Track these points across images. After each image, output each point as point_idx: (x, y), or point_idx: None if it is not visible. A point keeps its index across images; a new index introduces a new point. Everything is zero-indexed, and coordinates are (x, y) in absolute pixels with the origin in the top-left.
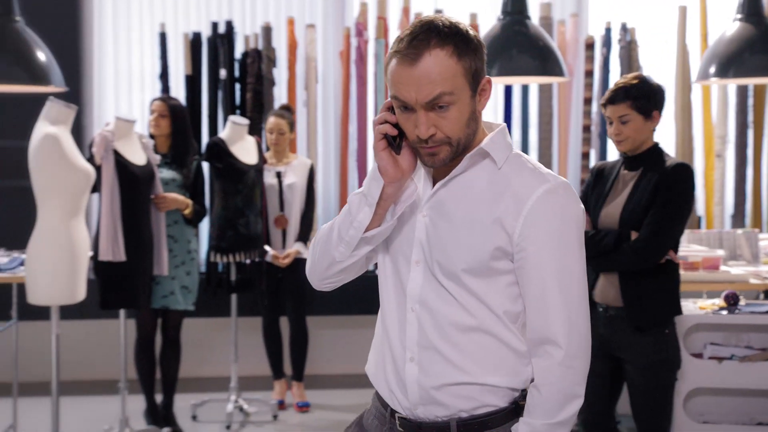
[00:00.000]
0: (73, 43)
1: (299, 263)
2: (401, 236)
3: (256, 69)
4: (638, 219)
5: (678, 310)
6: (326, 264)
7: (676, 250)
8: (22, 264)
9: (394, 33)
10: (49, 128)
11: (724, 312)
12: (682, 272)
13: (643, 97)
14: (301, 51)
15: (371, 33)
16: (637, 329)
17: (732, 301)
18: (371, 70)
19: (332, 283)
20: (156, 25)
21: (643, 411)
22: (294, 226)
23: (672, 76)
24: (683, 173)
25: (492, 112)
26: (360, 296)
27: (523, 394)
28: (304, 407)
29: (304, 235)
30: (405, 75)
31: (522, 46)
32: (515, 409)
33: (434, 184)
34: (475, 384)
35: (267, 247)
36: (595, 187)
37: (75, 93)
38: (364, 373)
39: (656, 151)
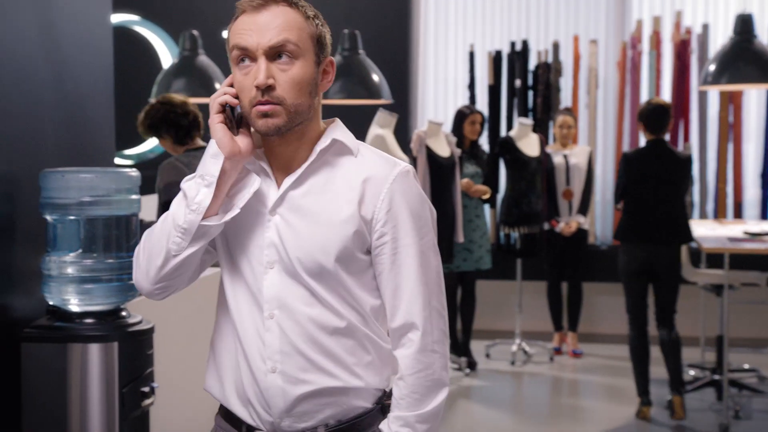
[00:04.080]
0: (404, 65)
1: (579, 233)
2: (247, 240)
3: (546, 79)
4: None
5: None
6: (160, 262)
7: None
8: None
9: (666, 45)
10: (378, 130)
11: None
12: None
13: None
14: (584, 62)
15: (645, 46)
16: None
17: None
18: (644, 76)
19: (163, 287)
20: (467, 45)
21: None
22: (577, 198)
23: None
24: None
25: (756, 107)
26: None
27: (387, 393)
28: (577, 354)
29: (584, 209)
30: (248, 22)
31: (747, 60)
32: (381, 408)
33: (277, 181)
34: (343, 388)
35: (558, 219)
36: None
37: (404, 102)
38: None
39: None
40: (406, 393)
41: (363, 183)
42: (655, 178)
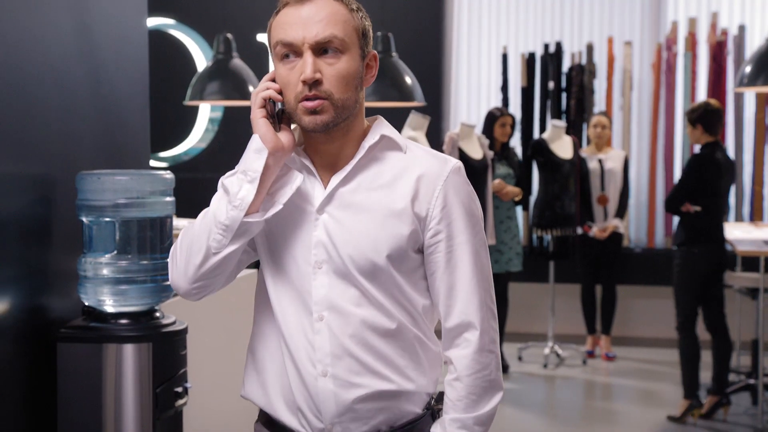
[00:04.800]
0: (437, 67)
1: (614, 236)
2: (293, 240)
3: (579, 81)
4: None
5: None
6: (200, 260)
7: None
8: None
9: (701, 47)
10: (411, 132)
11: None
12: None
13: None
14: (618, 64)
15: (680, 47)
16: None
17: None
18: (679, 78)
19: (201, 286)
20: (500, 47)
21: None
22: (612, 203)
23: None
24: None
25: None
26: (668, 268)
27: (436, 397)
28: (610, 357)
29: (621, 212)
30: (293, 15)
31: None
32: (432, 413)
33: (322, 179)
34: (396, 391)
35: (591, 224)
36: None
37: (437, 104)
38: (668, 337)
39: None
40: (464, 394)
41: (416, 180)
42: (723, 180)
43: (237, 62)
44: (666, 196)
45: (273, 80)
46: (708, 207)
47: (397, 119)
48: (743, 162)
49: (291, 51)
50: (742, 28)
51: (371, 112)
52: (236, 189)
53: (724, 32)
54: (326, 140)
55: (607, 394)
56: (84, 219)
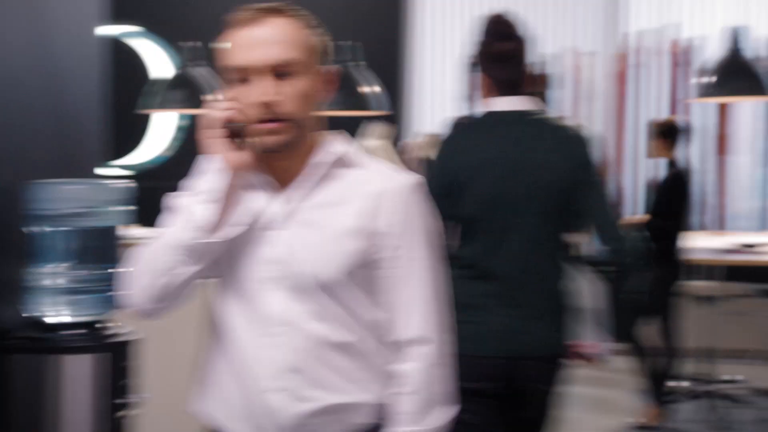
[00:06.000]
0: (400, 77)
1: None
2: (249, 256)
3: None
4: None
5: None
6: (163, 281)
7: None
8: None
9: (659, 57)
10: (374, 142)
11: None
12: None
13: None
14: (577, 75)
15: (640, 58)
16: None
17: None
18: (641, 88)
19: (164, 306)
20: (462, 55)
21: None
22: None
23: None
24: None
25: (751, 119)
26: None
27: (388, 408)
28: None
29: None
30: (247, 37)
31: (739, 73)
32: (384, 424)
33: (277, 195)
34: (350, 404)
35: None
36: None
37: (401, 113)
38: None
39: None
40: (419, 408)
41: (374, 196)
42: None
43: (203, 71)
44: (653, 220)
45: (229, 100)
46: (681, 224)
47: (361, 129)
48: (705, 172)
49: (248, 74)
50: (701, 39)
51: (335, 122)
52: (199, 210)
53: (684, 43)
54: (282, 156)
55: (560, 401)
56: (33, 228)
